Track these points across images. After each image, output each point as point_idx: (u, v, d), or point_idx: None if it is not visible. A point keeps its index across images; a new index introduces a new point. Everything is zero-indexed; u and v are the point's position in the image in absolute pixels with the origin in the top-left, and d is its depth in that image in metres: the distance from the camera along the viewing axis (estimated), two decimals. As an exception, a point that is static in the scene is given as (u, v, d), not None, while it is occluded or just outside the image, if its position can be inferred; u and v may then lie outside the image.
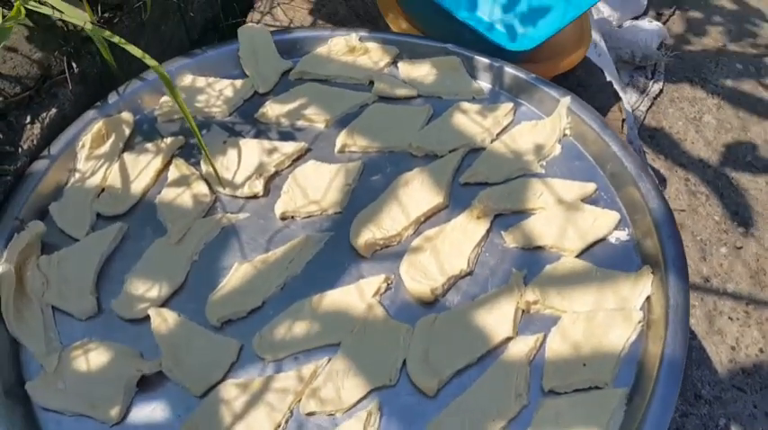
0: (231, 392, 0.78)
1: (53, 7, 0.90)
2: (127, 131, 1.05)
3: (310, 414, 0.77)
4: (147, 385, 0.80)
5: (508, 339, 0.82)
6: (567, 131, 1.03)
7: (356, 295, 0.86)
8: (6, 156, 0.96)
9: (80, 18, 0.92)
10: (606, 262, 0.88)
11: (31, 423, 0.77)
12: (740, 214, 1.77)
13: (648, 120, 1.98)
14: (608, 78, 1.52)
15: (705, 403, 1.42)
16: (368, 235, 0.91)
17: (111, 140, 1.03)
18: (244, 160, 1.00)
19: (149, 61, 0.91)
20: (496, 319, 0.83)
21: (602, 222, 0.91)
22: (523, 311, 0.85)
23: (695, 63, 2.17)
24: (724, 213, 1.76)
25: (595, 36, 1.72)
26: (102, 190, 0.98)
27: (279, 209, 0.95)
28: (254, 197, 0.98)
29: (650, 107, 2.01)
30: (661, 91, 2.06)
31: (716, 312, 1.56)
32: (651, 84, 2.05)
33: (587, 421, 0.74)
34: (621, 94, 1.81)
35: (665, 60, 2.08)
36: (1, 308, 0.82)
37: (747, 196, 1.81)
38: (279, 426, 0.76)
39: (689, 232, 1.70)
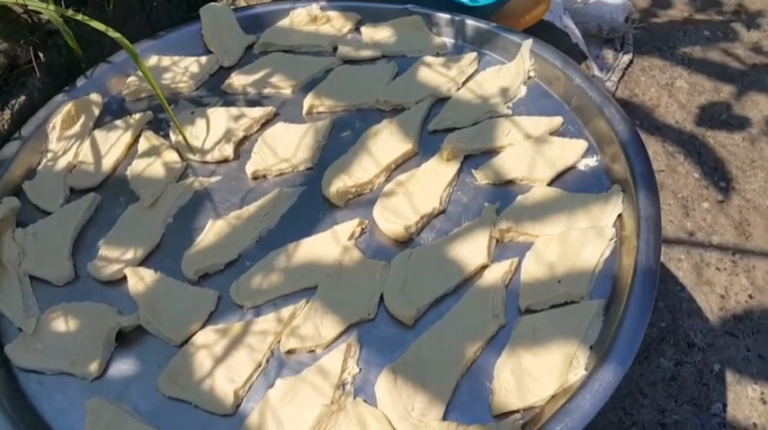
0: (210, 337, 0.78)
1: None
2: (96, 111, 1.06)
3: (291, 351, 0.77)
4: (125, 341, 0.80)
5: (483, 267, 0.82)
6: (532, 74, 1.04)
7: (331, 240, 0.86)
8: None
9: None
10: (577, 188, 0.89)
11: (12, 384, 0.77)
12: (719, 170, 1.78)
13: (621, 90, 1.99)
14: (574, 41, 1.54)
15: (699, 350, 1.41)
16: (339, 183, 0.91)
17: (81, 121, 1.04)
18: (212, 127, 1.01)
19: (113, 34, 0.92)
20: (471, 249, 0.83)
21: (571, 151, 0.91)
22: (497, 241, 0.85)
23: (663, 33, 2.19)
24: (703, 170, 1.77)
25: (561, 10, 1.75)
26: (75, 166, 0.99)
27: (250, 168, 0.95)
28: (225, 161, 0.99)
29: (622, 77, 2.02)
30: (631, 61, 2.08)
31: (703, 264, 1.57)
32: (621, 55, 2.07)
33: (565, 332, 0.74)
34: (588, 54, 1.83)
35: (632, 32, 2.10)
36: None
37: (726, 152, 1.82)
38: (260, 366, 0.76)
39: (670, 191, 1.71)
